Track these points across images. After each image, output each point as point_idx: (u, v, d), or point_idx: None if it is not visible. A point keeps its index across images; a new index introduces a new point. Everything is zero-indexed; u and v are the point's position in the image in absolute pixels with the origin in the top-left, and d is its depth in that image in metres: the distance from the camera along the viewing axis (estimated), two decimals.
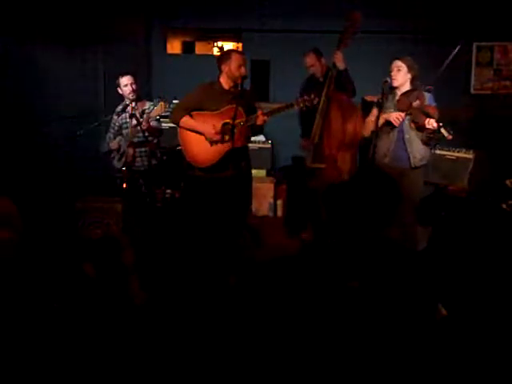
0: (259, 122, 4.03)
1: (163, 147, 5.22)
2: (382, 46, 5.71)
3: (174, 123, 4.29)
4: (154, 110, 4.57)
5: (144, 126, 4.60)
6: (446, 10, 6.11)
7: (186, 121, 4.18)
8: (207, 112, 4.14)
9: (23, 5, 5.38)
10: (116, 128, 4.95)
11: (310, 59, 5.22)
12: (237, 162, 4.17)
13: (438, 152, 5.67)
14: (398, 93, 4.33)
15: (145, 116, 4.72)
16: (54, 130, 5.69)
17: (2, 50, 5.18)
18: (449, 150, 5.67)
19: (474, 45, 6.32)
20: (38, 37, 5.60)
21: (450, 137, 4.03)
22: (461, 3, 6.08)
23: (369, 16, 4.94)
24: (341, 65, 4.62)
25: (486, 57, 6.31)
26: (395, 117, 4.24)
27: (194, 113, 4.18)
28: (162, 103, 4.53)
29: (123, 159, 4.85)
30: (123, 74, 4.79)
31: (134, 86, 4.74)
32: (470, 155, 5.62)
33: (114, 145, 4.89)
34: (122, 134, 4.91)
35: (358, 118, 4.59)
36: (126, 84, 4.75)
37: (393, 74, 4.26)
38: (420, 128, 4.23)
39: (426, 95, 4.26)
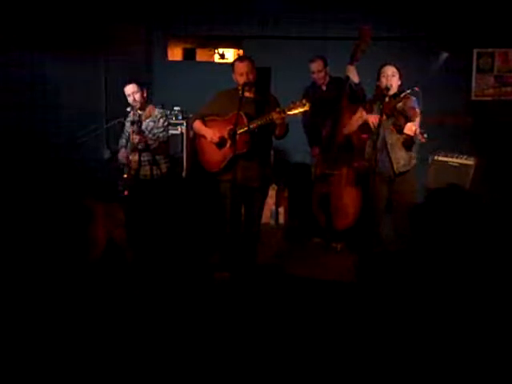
0: (276, 119, 3.95)
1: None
2: (378, 53, 5.73)
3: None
4: None
5: (151, 142, 4.57)
6: (447, 16, 6.12)
7: (195, 125, 4.31)
8: (219, 118, 4.18)
9: (25, 11, 5.40)
10: (127, 134, 4.85)
11: (318, 65, 5.27)
12: (244, 169, 4.12)
13: (439, 158, 5.66)
14: (387, 99, 4.29)
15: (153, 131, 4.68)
16: (55, 135, 5.69)
17: (3, 56, 5.19)
18: (450, 157, 5.66)
19: (475, 51, 6.32)
20: (39, 43, 5.61)
21: (424, 140, 4.05)
22: (461, 9, 6.08)
23: (368, 23, 4.97)
24: (355, 78, 4.84)
25: (486, 63, 6.31)
26: (372, 119, 4.26)
27: (207, 119, 4.26)
28: None
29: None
30: (127, 83, 4.67)
31: (136, 96, 4.61)
32: (471, 162, 5.61)
33: (122, 155, 4.76)
34: None
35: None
36: (128, 94, 4.64)
37: (389, 79, 4.26)
38: (400, 131, 4.23)
39: (412, 98, 4.25)
